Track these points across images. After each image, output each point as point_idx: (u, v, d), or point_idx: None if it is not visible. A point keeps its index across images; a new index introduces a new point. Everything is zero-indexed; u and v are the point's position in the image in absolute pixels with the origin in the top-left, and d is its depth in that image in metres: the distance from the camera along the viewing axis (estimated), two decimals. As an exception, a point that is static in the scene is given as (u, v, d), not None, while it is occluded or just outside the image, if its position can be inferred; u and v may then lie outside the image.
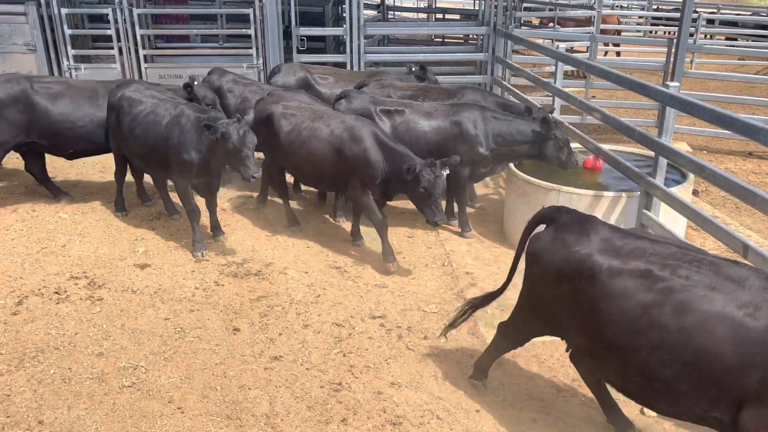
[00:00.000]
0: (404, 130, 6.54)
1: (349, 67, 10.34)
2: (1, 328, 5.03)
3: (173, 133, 6.15)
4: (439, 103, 6.94)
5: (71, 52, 10.18)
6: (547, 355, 4.90)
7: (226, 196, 7.86)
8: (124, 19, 10.13)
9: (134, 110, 6.51)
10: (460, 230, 6.89)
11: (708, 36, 20.25)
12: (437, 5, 20.31)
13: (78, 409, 4.20)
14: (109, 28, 10.18)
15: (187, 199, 6.34)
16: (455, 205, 7.05)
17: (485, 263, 6.26)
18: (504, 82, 10.38)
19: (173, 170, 6.27)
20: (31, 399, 4.27)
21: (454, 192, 6.84)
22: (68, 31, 10.11)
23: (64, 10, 9.99)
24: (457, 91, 7.72)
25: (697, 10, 17.28)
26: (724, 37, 20.43)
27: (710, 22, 19.22)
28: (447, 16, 18.82)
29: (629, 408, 4.35)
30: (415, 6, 23.73)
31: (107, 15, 10.11)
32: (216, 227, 6.63)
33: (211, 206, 6.59)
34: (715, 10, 21.36)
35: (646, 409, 4.32)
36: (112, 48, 10.31)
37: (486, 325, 5.22)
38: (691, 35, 14.51)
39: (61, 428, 4.03)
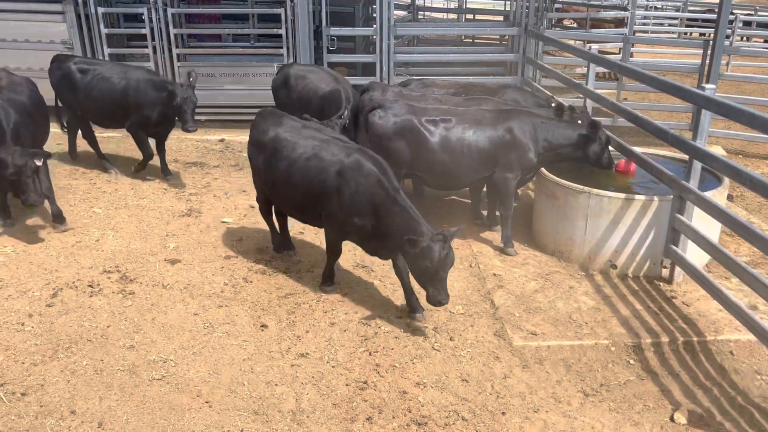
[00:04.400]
0: (455, 139, 6.30)
1: (378, 67, 10.37)
2: (37, 319, 5.15)
3: (346, 190, 5.17)
4: (485, 109, 6.69)
5: (107, 50, 10.39)
6: (575, 359, 4.85)
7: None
8: (159, 19, 10.30)
9: (292, 154, 5.54)
10: (502, 245, 6.57)
11: (744, 38, 19.81)
12: (467, 6, 20.22)
13: (109, 400, 4.28)
14: (144, 27, 10.37)
15: (335, 252, 5.60)
16: (498, 213, 6.81)
17: (513, 265, 6.22)
18: (535, 83, 10.29)
19: (337, 228, 5.44)
20: (64, 389, 4.37)
21: (502, 201, 6.52)
22: (104, 30, 10.32)
23: (100, 9, 10.20)
24: (498, 90, 7.68)
25: (734, 11, 16.92)
26: (761, 40, 19.98)
27: (747, 24, 18.80)
28: (477, 17, 18.73)
29: (657, 415, 4.29)
30: (446, 6, 23.65)
31: (142, 14, 10.30)
32: (412, 305, 5.34)
33: (399, 267, 5.33)
34: (752, 12, 20.90)
35: (676, 417, 4.26)
36: (147, 47, 10.50)
37: (513, 327, 5.19)
38: (727, 37, 14.19)
39: (92, 419, 4.12)
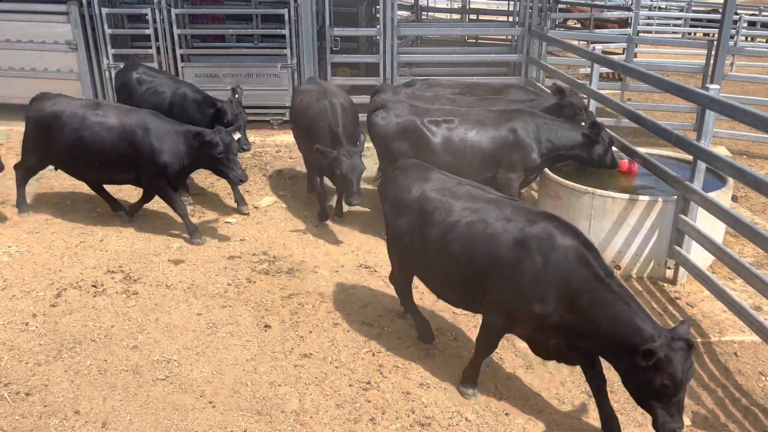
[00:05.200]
0: (458, 140, 6.28)
1: (381, 68, 10.35)
2: (41, 319, 5.16)
3: (528, 266, 3.90)
4: (488, 109, 6.68)
5: (111, 51, 10.41)
6: (579, 360, 4.84)
7: (259, 194, 7.95)
8: (162, 19, 10.32)
9: (447, 218, 4.33)
10: None
11: (749, 38, 19.76)
12: (471, 6, 20.22)
13: (113, 400, 4.29)
14: (148, 28, 10.38)
15: (490, 346, 4.41)
16: None
17: (516, 266, 6.21)
18: (538, 84, 10.28)
19: (504, 316, 4.15)
20: (68, 389, 4.38)
21: None
22: (108, 31, 10.34)
23: (105, 10, 10.22)
24: (503, 89, 7.67)
25: (738, 11, 16.86)
26: (765, 40, 19.93)
27: (751, 24, 18.75)
28: (481, 17, 18.73)
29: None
30: (449, 7, 23.64)
31: (146, 15, 10.31)
32: None
33: None
34: (756, 12, 20.85)
35: (680, 418, 4.24)
36: (150, 47, 10.52)
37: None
38: (732, 37, 14.16)
39: (96, 419, 4.13)
